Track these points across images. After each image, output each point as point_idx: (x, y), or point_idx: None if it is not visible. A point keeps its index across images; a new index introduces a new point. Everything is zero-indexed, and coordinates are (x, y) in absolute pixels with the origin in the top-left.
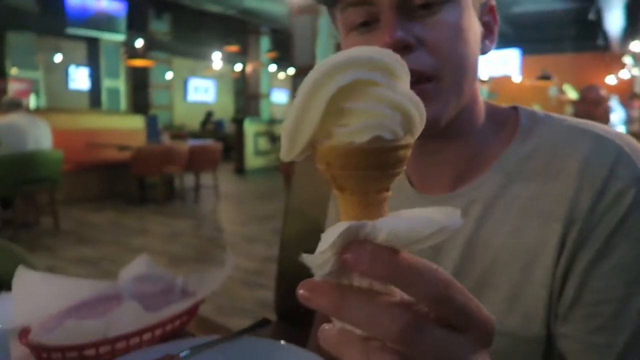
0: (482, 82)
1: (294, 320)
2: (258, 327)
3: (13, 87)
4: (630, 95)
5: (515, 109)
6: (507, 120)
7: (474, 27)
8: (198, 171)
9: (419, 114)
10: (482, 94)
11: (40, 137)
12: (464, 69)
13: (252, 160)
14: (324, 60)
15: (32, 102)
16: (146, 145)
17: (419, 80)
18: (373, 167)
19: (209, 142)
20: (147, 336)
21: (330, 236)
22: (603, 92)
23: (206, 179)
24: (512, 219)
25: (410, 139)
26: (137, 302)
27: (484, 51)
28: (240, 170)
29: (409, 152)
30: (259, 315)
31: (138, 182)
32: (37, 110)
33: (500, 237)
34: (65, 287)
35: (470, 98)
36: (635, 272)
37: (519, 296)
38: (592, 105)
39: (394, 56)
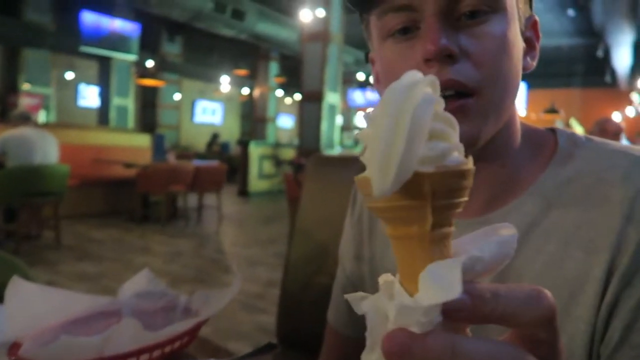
0: None
1: (296, 345)
2: (263, 352)
3: (24, 102)
4: (637, 132)
5: (553, 130)
6: (544, 142)
7: (518, 42)
8: (202, 191)
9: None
10: None
11: (48, 151)
12: (506, 86)
13: (256, 183)
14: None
15: (41, 117)
16: (152, 164)
17: (459, 94)
18: (459, 192)
19: (214, 163)
20: (144, 357)
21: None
22: (620, 123)
23: (210, 199)
24: (551, 248)
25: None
26: (137, 319)
27: (525, 68)
28: (244, 192)
29: (467, 181)
30: (258, 340)
31: (142, 200)
32: (46, 125)
33: (536, 268)
34: (61, 301)
35: (509, 118)
36: None
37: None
38: (611, 137)
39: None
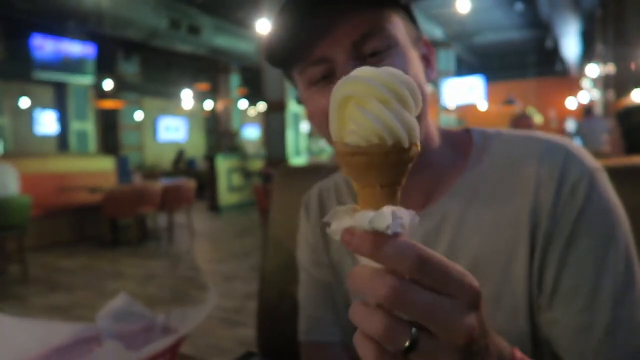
0: (450, 110)
1: (276, 354)
2: None
3: None
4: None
5: (468, 130)
6: (462, 142)
7: (417, 63)
8: (172, 210)
9: (407, 134)
10: (451, 122)
11: (6, 183)
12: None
13: (226, 197)
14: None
15: None
16: (117, 187)
17: None
18: (368, 165)
19: (181, 181)
20: None
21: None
22: (526, 117)
23: (180, 217)
24: (483, 230)
25: (399, 148)
26: (118, 341)
27: (428, 80)
28: (214, 207)
29: (401, 157)
30: (239, 354)
31: (110, 224)
32: (4, 156)
33: (475, 244)
34: (40, 331)
35: (426, 127)
36: (600, 254)
37: (502, 294)
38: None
39: (410, 86)
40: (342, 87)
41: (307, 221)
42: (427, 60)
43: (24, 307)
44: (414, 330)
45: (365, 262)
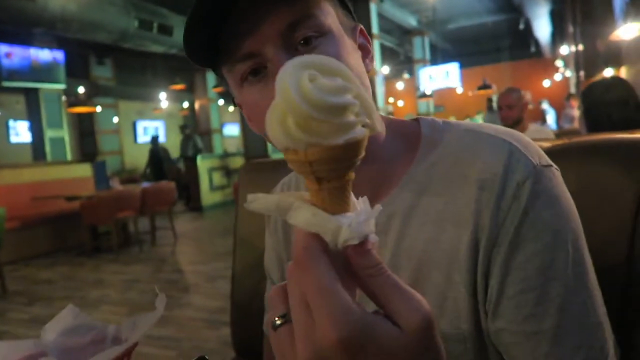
0: (427, 96)
1: (252, 354)
2: None
3: None
4: (567, 96)
5: (417, 120)
6: (410, 132)
7: (353, 53)
8: (153, 213)
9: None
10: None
11: None
12: None
13: (208, 197)
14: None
15: None
16: (96, 193)
17: None
18: (347, 159)
19: (162, 183)
20: None
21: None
22: (515, 95)
23: (162, 220)
24: (428, 229)
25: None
26: (66, 357)
27: (368, 70)
28: (196, 208)
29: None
30: (224, 355)
31: (90, 232)
32: None
33: (419, 246)
34: None
35: None
36: (547, 259)
37: (445, 298)
38: (508, 111)
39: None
40: (274, 110)
41: (268, 224)
42: (365, 50)
43: (2, 322)
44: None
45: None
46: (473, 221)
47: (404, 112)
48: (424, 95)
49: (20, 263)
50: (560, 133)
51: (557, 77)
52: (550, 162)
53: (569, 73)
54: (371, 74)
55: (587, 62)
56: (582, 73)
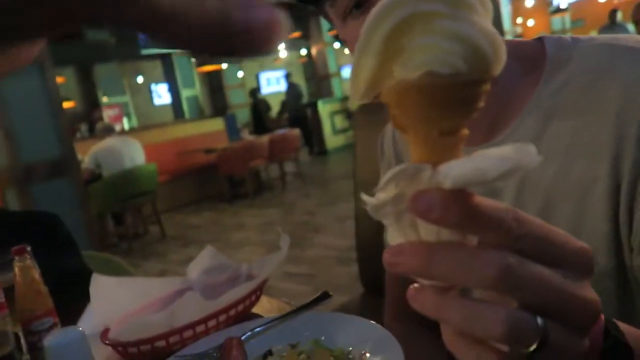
0: (562, 10)
1: (379, 291)
2: (319, 302)
3: (107, 114)
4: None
5: (540, 39)
6: (533, 54)
7: None
8: (281, 160)
9: (493, 48)
10: (564, 24)
11: (134, 155)
12: None
13: (331, 140)
14: None
15: (125, 124)
16: (229, 145)
17: None
18: (428, 106)
19: (286, 131)
20: (211, 323)
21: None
22: None
23: (290, 166)
24: (557, 158)
25: (482, 75)
26: (208, 292)
27: None
28: (321, 152)
29: (479, 90)
30: (354, 289)
31: (228, 181)
32: (130, 131)
33: (548, 177)
34: (139, 288)
35: None
36: None
37: (578, 232)
38: None
39: None
40: (382, 16)
41: (382, 159)
42: None
43: (164, 262)
44: (539, 320)
45: (426, 232)
46: (612, 150)
47: (534, 32)
48: (558, 10)
49: (173, 211)
50: None
51: None
52: None
53: None
54: None
55: None
56: None
